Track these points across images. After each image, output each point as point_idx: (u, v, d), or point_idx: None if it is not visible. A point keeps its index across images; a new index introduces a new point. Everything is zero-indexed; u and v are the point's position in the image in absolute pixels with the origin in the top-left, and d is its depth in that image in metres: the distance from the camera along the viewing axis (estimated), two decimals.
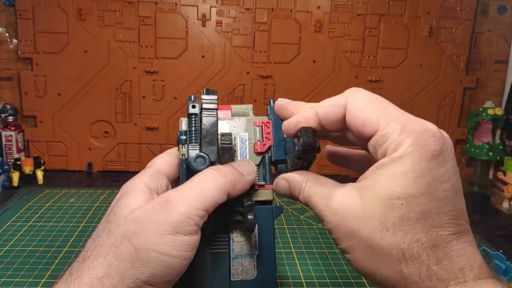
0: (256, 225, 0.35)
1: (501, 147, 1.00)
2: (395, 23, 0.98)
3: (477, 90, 1.04)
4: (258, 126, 0.37)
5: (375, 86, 0.99)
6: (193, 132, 0.34)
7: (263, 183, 0.36)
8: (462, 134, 1.05)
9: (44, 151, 0.97)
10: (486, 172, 1.05)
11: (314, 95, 0.99)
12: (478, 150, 1.00)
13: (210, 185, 0.31)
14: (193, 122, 0.35)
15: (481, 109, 1.00)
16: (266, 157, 0.36)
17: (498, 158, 0.99)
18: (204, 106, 0.35)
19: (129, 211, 0.31)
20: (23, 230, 0.65)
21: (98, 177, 0.95)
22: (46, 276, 0.52)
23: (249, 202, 0.32)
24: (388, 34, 0.98)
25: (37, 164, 0.89)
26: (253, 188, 0.35)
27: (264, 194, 0.36)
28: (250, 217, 0.31)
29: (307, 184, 0.32)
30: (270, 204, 0.36)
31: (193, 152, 0.33)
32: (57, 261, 0.56)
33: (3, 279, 0.51)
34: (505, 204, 0.90)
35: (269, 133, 0.36)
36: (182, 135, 0.35)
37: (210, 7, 0.94)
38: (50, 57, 0.93)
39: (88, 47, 0.93)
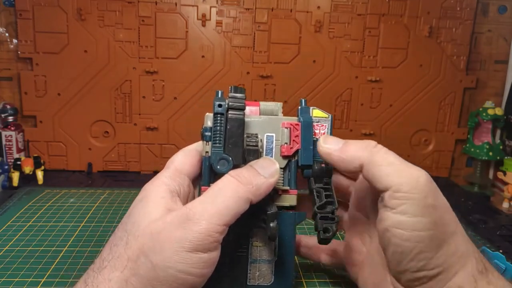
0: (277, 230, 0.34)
1: (501, 147, 1.00)
2: (395, 23, 0.98)
3: (477, 90, 1.04)
4: (286, 128, 0.35)
5: (375, 86, 0.99)
6: (218, 132, 0.32)
7: (287, 188, 0.35)
8: (462, 134, 1.05)
9: (44, 151, 0.97)
10: (486, 172, 1.05)
11: (314, 95, 0.99)
12: (478, 150, 1.00)
13: (230, 196, 0.30)
14: (219, 121, 0.33)
15: (481, 109, 1.00)
16: (293, 161, 0.35)
17: (498, 158, 0.99)
18: (231, 105, 0.33)
19: (148, 222, 0.30)
20: (23, 230, 0.65)
21: (98, 177, 0.95)
22: (46, 276, 0.52)
23: (272, 211, 0.31)
24: (388, 34, 0.98)
25: (37, 164, 0.89)
26: (276, 192, 0.34)
27: (287, 200, 0.35)
28: (272, 225, 0.30)
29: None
30: (293, 209, 0.35)
31: (216, 153, 0.32)
32: (57, 261, 0.56)
33: (3, 279, 0.51)
34: (505, 204, 0.90)
35: (297, 136, 0.35)
36: (206, 131, 0.33)
37: (210, 7, 0.94)
38: (50, 57, 0.93)
39: (88, 47, 0.93)
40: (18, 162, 0.87)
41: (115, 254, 0.29)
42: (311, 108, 0.36)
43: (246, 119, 0.34)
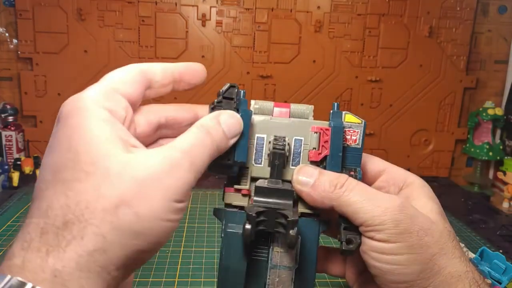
0: (300, 237, 0.33)
1: (501, 147, 1.00)
2: (395, 23, 0.98)
3: (477, 90, 1.04)
4: (316, 133, 0.33)
5: (375, 86, 0.99)
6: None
7: None
8: (462, 134, 1.05)
9: (44, 151, 0.96)
10: (486, 172, 1.05)
11: (314, 95, 0.99)
12: (478, 150, 1.00)
13: (203, 149, 0.28)
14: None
15: (481, 109, 1.00)
16: (320, 167, 0.33)
17: (498, 158, 0.99)
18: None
19: (123, 163, 0.25)
20: None
21: None
22: None
23: (293, 218, 0.29)
24: (388, 34, 0.98)
25: (37, 164, 0.89)
26: (300, 198, 0.33)
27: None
28: (292, 233, 0.29)
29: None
30: (318, 217, 0.34)
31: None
32: None
33: None
34: (505, 204, 0.90)
35: (326, 141, 0.33)
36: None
37: (210, 7, 0.94)
38: (50, 57, 0.93)
39: (88, 47, 0.93)
40: (18, 162, 0.87)
41: (81, 205, 0.23)
42: (343, 112, 0.34)
43: (275, 121, 0.34)
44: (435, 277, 0.31)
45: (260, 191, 0.32)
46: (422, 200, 0.34)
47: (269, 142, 0.33)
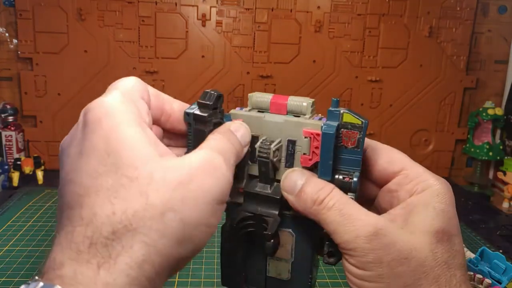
0: (294, 235, 0.33)
1: (501, 147, 1.00)
2: (395, 23, 0.98)
3: (477, 90, 1.04)
4: (306, 137, 0.31)
5: (375, 86, 0.99)
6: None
7: None
8: (462, 134, 1.05)
9: (44, 151, 0.97)
10: (486, 172, 1.05)
11: (314, 95, 0.99)
12: (478, 150, 1.00)
13: (231, 152, 0.28)
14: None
15: (481, 109, 1.00)
16: (315, 171, 0.32)
17: (498, 158, 0.99)
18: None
19: (164, 168, 0.24)
20: (23, 230, 0.65)
21: None
22: None
23: (268, 233, 0.29)
24: (388, 34, 0.98)
25: (37, 164, 0.89)
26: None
27: None
28: (268, 243, 0.30)
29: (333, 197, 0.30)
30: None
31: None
32: None
33: (3, 279, 0.51)
34: (505, 204, 0.90)
35: (317, 147, 0.31)
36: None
37: (210, 7, 0.94)
38: (50, 57, 0.93)
39: (88, 47, 0.93)
40: (18, 162, 0.87)
41: (128, 213, 0.22)
42: (342, 111, 0.31)
43: (268, 120, 0.32)
44: None
45: (248, 196, 0.32)
46: (422, 215, 0.30)
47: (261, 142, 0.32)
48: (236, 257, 0.34)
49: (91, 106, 0.26)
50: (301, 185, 0.31)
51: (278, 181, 0.32)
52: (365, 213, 0.30)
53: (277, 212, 0.32)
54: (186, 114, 0.30)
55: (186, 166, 0.25)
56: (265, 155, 0.31)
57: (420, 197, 0.31)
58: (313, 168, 0.32)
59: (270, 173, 0.32)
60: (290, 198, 0.31)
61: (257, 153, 0.31)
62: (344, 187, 0.31)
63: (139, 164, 0.24)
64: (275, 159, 0.31)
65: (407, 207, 0.31)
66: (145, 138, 0.25)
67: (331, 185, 0.30)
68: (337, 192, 0.30)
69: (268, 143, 0.31)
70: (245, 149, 0.31)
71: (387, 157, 0.33)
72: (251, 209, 0.32)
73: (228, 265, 0.34)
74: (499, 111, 0.99)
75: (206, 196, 0.24)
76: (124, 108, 0.26)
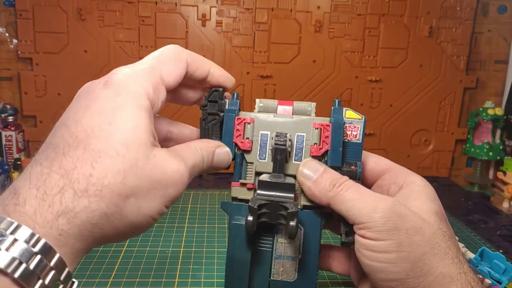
0: (302, 229, 0.35)
1: (501, 147, 1.00)
2: (395, 23, 0.98)
3: (477, 90, 1.04)
4: (317, 129, 0.35)
5: (375, 86, 0.99)
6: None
7: None
8: (462, 134, 1.05)
9: None
10: (486, 172, 1.05)
11: (314, 95, 0.99)
12: (478, 150, 1.00)
13: (197, 170, 0.32)
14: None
15: (481, 109, 1.00)
16: (322, 162, 0.35)
17: (498, 158, 0.99)
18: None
19: (148, 160, 0.27)
20: None
21: None
22: None
23: (292, 210, 0.31)
24: (388, 34, 0.98)
25: None
26: (303, 192, 0.35)
27: None
28: (292, 224, 0.31)
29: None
30: (321, 209, 0.35)
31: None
32: None
33: None
34: (505, 204, 0.90)
35: (327, 137, 0.35)
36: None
37: (210, 7, 0.94)
38: (50, 57, 0.93)
39: (88, 47, 0.93)
40: (18, 162, 0.87)
41: (100, 181, 0.25)
42: (344, 108, 0.36)
43: (278, 119, 0.35)
44: (425, 277, 0.31)
45: (263, 185, 0.34)
46: (420, 200, 0.34)
47: (272, 138, 0.35)
48: (243, 264, 0.35)
49: (119, 71, 0.30)
50: (321, 172, 0.34)
51: (287, 175, 0.35)
52: (385, 190, 0.35)
53: (293, 195, 0.34)
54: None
55: (164, 168, 0.28)
56: (282, 142, 0.33)
57: (412, 188, 0.35)
58: (322, 157, 0.35)
59: (284, 161, 0.34)
60: (307, 183, 0.34)
61: (273, 143, 0.34)
62: (351, 176, 0.35)
63: (131, 146, 0.26)
64: (289, 149, 0.34)
65: (403, 196, 0.35)
66: (146, 126, 0.28)
67: (345, 176, 0.34)
68: (351, 180, 0.34)
69: (283, 134, 0.34)
70: (214, 170, 0.34)
71: (374, 159, 0.38)
72: (268, 196, 0.33)
73: (232, 273, 0.35)
74: (499, 111, 0.99)
75: (162, 199, 0.28)
76: (143, 91, 0.28)
